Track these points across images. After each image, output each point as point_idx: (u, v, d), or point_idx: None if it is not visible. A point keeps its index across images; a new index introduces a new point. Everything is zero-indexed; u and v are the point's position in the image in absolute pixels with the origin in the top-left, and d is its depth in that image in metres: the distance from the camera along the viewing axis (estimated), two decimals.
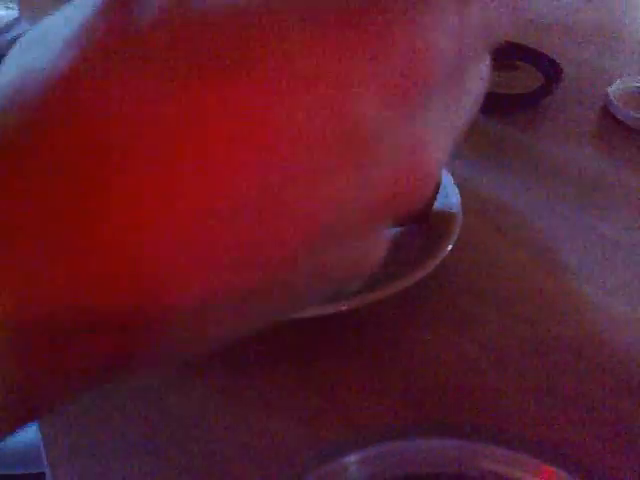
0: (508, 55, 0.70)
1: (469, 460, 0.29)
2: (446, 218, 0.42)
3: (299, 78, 0.15)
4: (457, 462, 0.29)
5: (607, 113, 0.63)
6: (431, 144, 0.18)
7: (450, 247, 0.39)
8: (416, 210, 0.19)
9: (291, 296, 0.18)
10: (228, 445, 0.30)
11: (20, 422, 0.17)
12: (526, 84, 0.66)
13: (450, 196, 0.43)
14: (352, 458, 0.28)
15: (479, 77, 0.19)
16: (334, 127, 0.16)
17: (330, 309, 0.34)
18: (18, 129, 0.15)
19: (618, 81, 0.67)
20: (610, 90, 0.65)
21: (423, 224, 0.41)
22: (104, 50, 0.15)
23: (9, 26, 0.55)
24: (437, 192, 0.41)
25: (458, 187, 0.44)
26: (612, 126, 0.61)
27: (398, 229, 0.40)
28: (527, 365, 0.35)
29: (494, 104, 0.61)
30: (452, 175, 0.45)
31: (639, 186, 0.53)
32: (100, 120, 0.15)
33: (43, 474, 0.31)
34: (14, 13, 0.59)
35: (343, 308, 0.34)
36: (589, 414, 0.33)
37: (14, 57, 0.17)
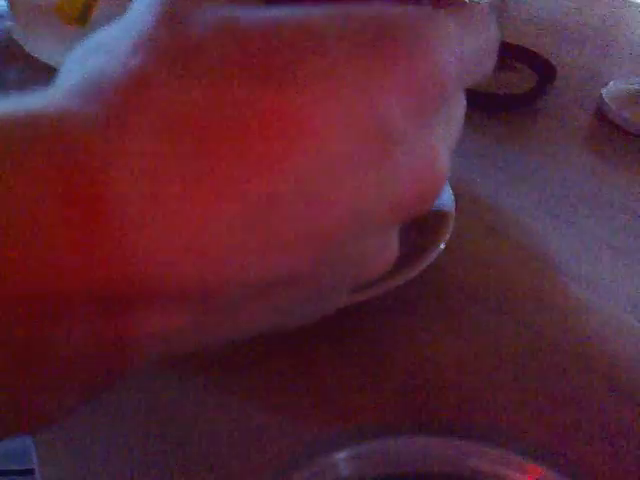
0: (504, 55, 0.70)
1: (459, 458, 0.29)
2: (440, 217, 0.42)
3: (338, 88, 0.18)
4: (447, 460, 0.29)
5: (601, 114, 0.63)
6: (441, 151, 0.21)
7: (443, 246, 0.39)
8: (427, 210, 0.22)
9: (315, 287, 0.20)
10: (218, 440, 0.30)
11: (10, 429, 0.18)
12: (520, 85, 0.66)
13: (444, 195, 0.43)
14: (342, 455, 0.28)
15: (462, 104, 0.23)
16: (366, 127, 0.18)
17: None
18: (99, 120, 0.16)
19: (612, 83, 0.67)
20: (604, 91, 0.65)
21: (416, 222, 0.41)
22: (167, 55, 0.17)
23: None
24: None
25: (452, 186, 0.44)
26: (605, 127, 0.62)
27: None
28: (519, 365, 0.35)
29: (488, 104, 0.62)
30: None
31: (631, 187, 0.53)
32: (169, 113, 0.17)
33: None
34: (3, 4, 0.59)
35: None
36: (580, 415, 0.33)
37: (76, 62, 0.19)
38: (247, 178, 0.17)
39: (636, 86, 0.68)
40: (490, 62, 0.22)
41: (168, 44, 0.17)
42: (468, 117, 0.24)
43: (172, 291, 0.16)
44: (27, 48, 0.49)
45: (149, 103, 0.17)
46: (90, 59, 0.18)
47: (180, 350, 0.19)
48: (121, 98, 0.17)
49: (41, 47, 0.48)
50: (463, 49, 0.20)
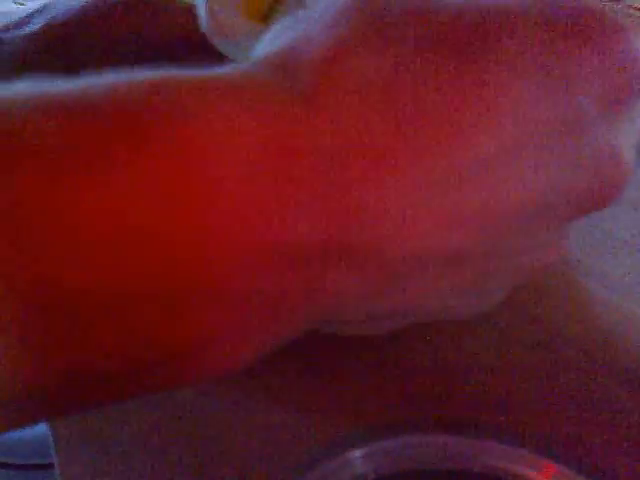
0: None
1: (472, 456, 0.29)
2: None
3: (535, 67, 0.17)
4: (460, 458, 0.29)
5: None
6: (626, 148, 0.20)
7: None
8: (603, 209, 0.21)
9: (478, 273, 0.20)
10: (231, 439, 0.30)
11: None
12: None
13: None
14: (357, 453, 0.28)
15: None
16: (558, 109, 0.18)
17: None
18: (303, 91, 0.17)
19: None
20: None
21: None
22: (368, 26, 0.18)
23: (22, 22, 0.55)
24: None
25: None
26: None
27: None
28: (530, 362, 0.35)
29: None
30: None
31: None
32: (371, 83, 0.17)
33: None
34: (26, 9, 0.59)
35: None
36: (593, 411, 0.33)
37: (272, 39, 0.19)
38: (439, 151, 0.17)
39: None
40: None
41: (368, 16, 0.18)
42: None
43: (363, 250, 0.17)
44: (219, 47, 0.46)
45: (350, 73, 0.17)
46: (286, 33, 0.18)
47: (341, 319, 0.20)
48: (322, 68, 0.17)
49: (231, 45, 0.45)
50: None
